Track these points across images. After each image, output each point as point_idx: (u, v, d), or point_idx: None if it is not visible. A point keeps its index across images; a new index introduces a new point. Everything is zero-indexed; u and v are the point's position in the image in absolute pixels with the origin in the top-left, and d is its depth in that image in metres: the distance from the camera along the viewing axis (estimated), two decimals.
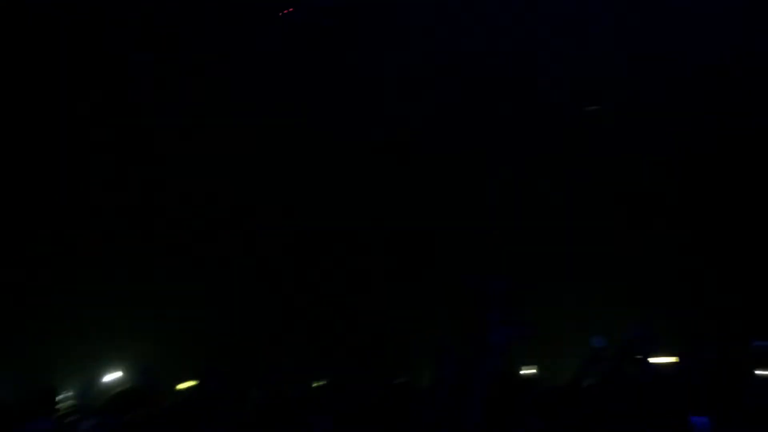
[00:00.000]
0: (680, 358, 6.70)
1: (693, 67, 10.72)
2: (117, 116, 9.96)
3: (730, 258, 10.83)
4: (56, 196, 10.15)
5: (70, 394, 8.24)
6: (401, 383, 8.57)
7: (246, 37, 10.13)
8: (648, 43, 10.60)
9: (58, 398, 8.21)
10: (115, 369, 8.41)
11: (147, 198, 10.54)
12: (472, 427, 4.34)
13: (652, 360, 6.11)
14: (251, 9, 10.08)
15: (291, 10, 10.34)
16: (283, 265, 11.03)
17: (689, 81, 10.75)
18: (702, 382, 5.93)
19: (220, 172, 10.59)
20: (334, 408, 5.78)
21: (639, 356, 5.71)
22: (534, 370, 8.89)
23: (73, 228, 10.34)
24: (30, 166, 9.92)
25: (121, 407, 4.80)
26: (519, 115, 10.71)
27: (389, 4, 10.55)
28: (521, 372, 8.52)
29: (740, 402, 5.67)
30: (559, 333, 9.55)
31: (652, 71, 10.78)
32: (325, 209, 10.88)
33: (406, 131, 10.63)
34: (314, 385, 8.94)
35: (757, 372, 6.54)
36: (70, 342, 9.95)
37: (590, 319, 9.57)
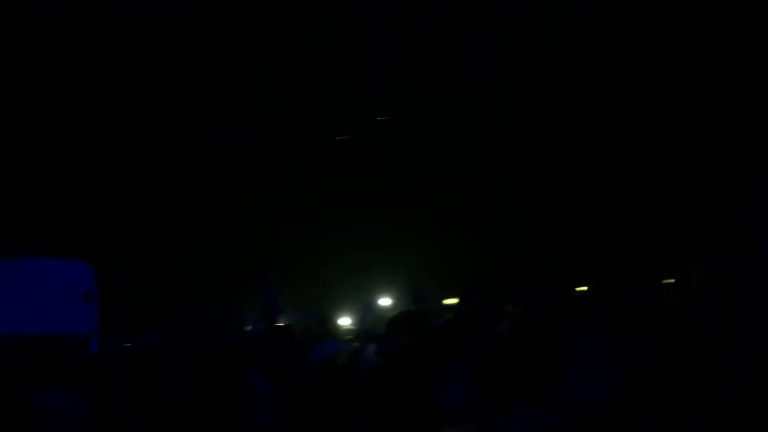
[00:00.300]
0: None
1: None
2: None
3: None
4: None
5: (350, 319, 8.78)
6: (672, 284, 8.25)
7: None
8: None
9: (339, 324, 8.79)
10: (388, 294, 8.85)
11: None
12: (749, 326, 4.06)
13: None
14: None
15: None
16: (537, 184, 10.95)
17: None
18: None
19: None
20: (595, 319, 5.61)
21: None
22: None
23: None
24: None
25: (397, 330, 5.01)
26: None
27: None
28: None
29: None
30: None
31: None
32: None
33: None
34: (574, 295, 8.83)
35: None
36: (347, 271, 10.55)
37: None
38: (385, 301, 8.75)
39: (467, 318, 5.67)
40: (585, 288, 9.13)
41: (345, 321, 8.82)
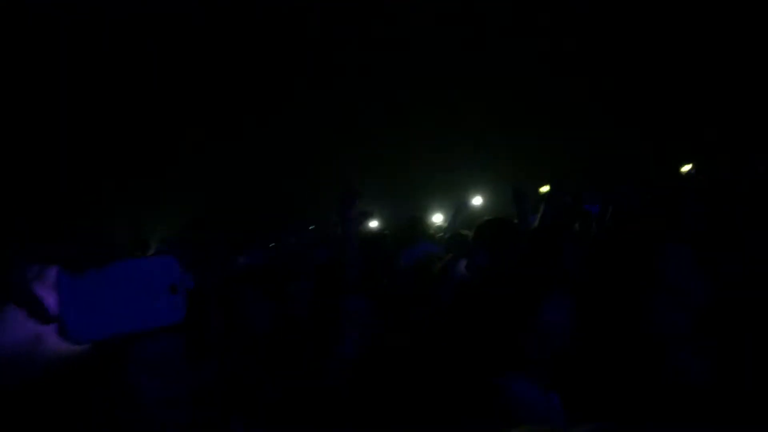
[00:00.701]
0: None
1: None
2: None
3: None
4: None
5: (442, 217, 8.70)
6: None
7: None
8: None
9: (432, 221, 8.73)
10: (479, 195, 8.63)
11: None
12: None
13: None
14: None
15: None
16: None
17: None
18: None
19: None
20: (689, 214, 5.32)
21: None
22: None
23: None
24: None
25: (487, 240, 4.78)
26: None
27: None
28: None
29: None
30: None
31: None
32: None
33: None
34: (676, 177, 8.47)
35: None
36: (438, 167, 10.43)
37: None
38: (477, 201, 8.53)
39: (555, 227, 5.48)
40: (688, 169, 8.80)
41: (437, 218, 8.69)
